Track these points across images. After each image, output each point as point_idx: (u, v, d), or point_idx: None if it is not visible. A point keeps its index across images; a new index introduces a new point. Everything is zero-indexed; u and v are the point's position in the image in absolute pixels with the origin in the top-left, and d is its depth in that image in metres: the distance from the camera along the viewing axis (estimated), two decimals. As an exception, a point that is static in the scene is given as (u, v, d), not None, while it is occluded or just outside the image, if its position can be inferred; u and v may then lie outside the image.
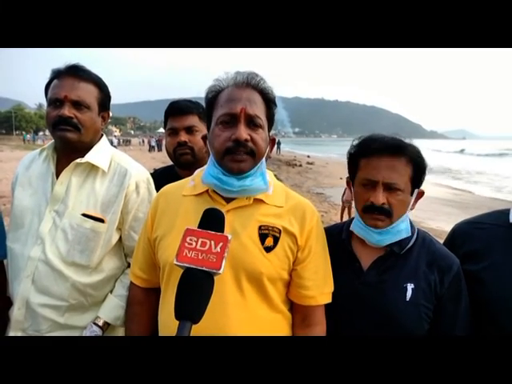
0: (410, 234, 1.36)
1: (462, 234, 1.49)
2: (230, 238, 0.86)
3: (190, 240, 0.85)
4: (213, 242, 0.85)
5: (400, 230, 1.34)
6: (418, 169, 1.31)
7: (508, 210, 1.42)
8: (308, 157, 36.54)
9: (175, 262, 0.83)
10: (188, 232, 0.87)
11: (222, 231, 0.89)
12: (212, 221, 0.91)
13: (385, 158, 1.29)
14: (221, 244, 0.85)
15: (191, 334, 0.80)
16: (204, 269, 0.82)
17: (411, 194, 1.33)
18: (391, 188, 1.28)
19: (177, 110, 1.92)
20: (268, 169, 1.33)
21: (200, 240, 0.85)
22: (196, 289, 0.82)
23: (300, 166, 25.48)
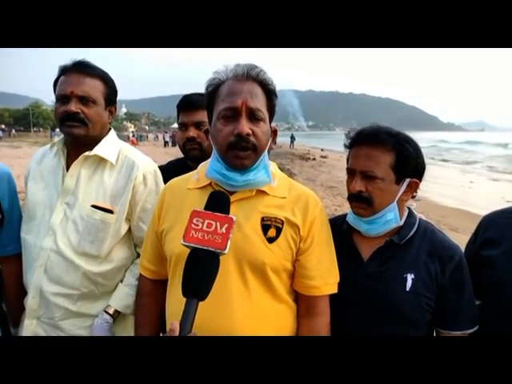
0: (400, 224, 1.37)
1: (486, 222, 1.50)
2: (234, 219, 0.90)
3: (197, 221, 0.90)
4: (218, 224, 0.89)
5: (388, 220, 1.34)
6: (402, 157, 1.30)
7: None
8: (322, 150, 36.20)
9: (182, 242, 0.88)
10: (194, 213, 0.92)
11: (228, 213, 0.93)
12: (218, 203, 0.95)
13: (363, 148, 1.33)
14: (226, 225, 0.89)
15: (196, 325, 0.84)
16: (210, 249, 0.86)
17: (397, 183, 1.32)
18: (368, 176, 1.30)
19: (187, 104, 1.92)
20: (272, 160, 1.34)
21: (206, 221, 0.90)
22: (202, 268, 0.87)
23: (314, 159, 25.26)
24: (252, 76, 1.19)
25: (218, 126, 1.20)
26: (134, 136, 35.24)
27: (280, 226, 1.22)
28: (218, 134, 1.20)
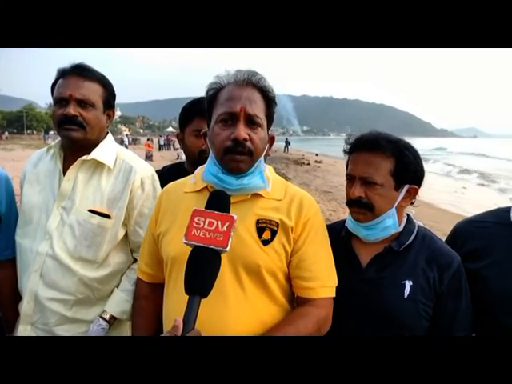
0: (399, 230, 1.37)
1: (463, 232, 1.48)
2: (235, 217, 0.92)
3: (198, 220, 0.91)
4: (220, 222, 0.91)
5: (387, 226, 1.35)
6: (401, 163, 1.31)
7: (509, 209, 1.41)
8: (316, 155, 36.39)
9: (184, 241, 0.89)
10: (196, 212, 0.93)
11: (229, 212, 0.95)
12: (219, 202, 0.97)
13: (363, 154, 1.34)
14: (227, 224, 0.91)
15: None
16: (212, 247, 0.88)
17: (396, 190, 1.33)
18: (368, 182, 1.31)
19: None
20: (269, 164, 1.34)
21: (207, 220, 0.91)
22: (204, 265, 0.89)
23: (308, 164, 25.38)
24: (252, 82, 1.21)
25: (216, 129, 1.21)
26: (148, 140, 34.91)
27: (275, 228, 1.22)
28: (215, 137, 1.21)
